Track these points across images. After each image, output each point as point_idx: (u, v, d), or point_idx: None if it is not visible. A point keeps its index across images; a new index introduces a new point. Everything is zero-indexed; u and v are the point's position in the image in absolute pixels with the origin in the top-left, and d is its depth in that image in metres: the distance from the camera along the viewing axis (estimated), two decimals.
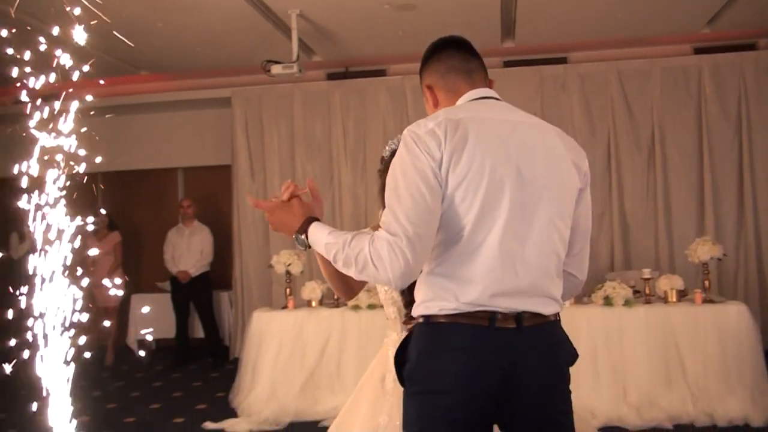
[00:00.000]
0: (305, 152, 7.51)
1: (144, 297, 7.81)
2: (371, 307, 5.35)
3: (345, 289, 2.17)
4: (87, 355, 3.51)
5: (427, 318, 1.73)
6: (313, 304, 5.57)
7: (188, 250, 7.22)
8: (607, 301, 4.99)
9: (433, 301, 1.72)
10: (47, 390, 3.33)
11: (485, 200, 1.68)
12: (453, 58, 1.91)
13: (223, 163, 7.86)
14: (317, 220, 1.90)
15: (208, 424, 5.04)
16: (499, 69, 7.29)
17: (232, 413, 5.27)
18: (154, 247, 7.75)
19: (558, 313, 1.81)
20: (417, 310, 1.77)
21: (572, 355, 1.86)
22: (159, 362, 7.34)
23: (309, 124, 7.50)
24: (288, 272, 5.68)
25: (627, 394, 4.83)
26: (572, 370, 1.79)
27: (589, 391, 4.83)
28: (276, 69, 5.80)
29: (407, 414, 1.76)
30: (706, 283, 5.11)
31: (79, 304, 3.43)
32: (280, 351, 5.41)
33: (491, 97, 1.89)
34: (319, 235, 1.83)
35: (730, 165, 6.77)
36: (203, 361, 7.30)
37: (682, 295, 5.13)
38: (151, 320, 7.68)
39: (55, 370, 3.34)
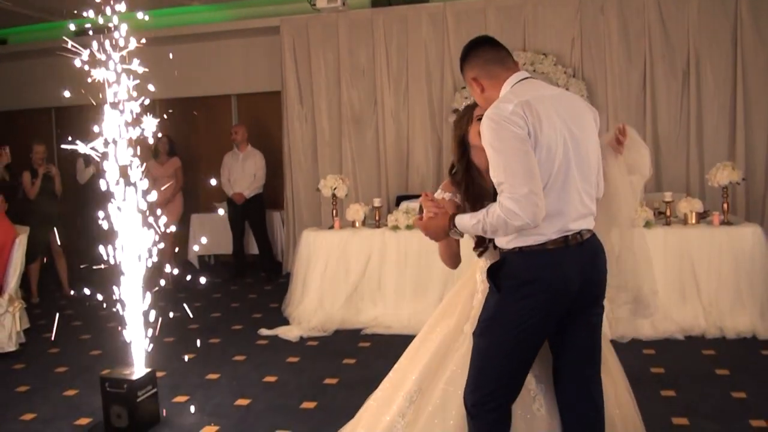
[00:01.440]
0: (350, 78, 7.85)
1: (202, 217, 8.44)
2: (409, 227, 5.79)
3: (452, 262, 2.74)
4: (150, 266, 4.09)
5: (522, 248, 2.32)
6: (357, 224, 6.05)
7: (243, 173, 7.75)
8: None
9: (527, 236, 2.29)
10: (123, 308, 3.93)
11: (563, 156, 2.26)
12: (487, 51, 2.41)
13: (273, 90, 8.28)
14: (455, 214, 2.42)
15: (263, 331, 5.67)
16: None
17: (285, 321, 5.89)
18: (211, 170, 8.29)
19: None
20: (510, 243, 2.33)
21: (606, 265, 2.49)
22: (218, 276, 8.02)
23: (354, 51, 7.80)
24: (334, 195, 6.15)
25: None
26: None
27: (607, 304, 5.24)
28: (321, 2, 6.09)
29: (505, 315, 2.33)
30: (725, 206, 5.37)
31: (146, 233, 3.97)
32: (327, 267, 5.95)
33: (527, 77, 2.39)
34: (464, 223, 2.35)
35: (763, 89, 6.84)
36: (258, 275, 7.94)
37: (702, 217, 5.42)
38: (209, 238, 8.35)
39: (129, 289, 3.93)
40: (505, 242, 2.34)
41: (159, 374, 4.60)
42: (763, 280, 5.08)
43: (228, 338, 5.60)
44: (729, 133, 6.94)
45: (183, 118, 8.98)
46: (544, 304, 2.29)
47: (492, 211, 2.21)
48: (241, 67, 8.58)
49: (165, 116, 4.53)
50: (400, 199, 7.38)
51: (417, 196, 7.09)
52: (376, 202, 6.18)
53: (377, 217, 6.11)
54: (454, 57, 7.52)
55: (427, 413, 2.66)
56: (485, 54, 2.39)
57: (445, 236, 2.48)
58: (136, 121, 4.01)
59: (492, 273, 2.38)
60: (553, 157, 2.23)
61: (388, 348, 5.18)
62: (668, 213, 5.44)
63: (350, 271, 5.91)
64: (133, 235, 3.98)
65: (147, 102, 4.06)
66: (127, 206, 3.97)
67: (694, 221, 5.32)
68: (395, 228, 5.84)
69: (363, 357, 5.01)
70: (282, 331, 5.62)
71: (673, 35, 7.02)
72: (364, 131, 7.94)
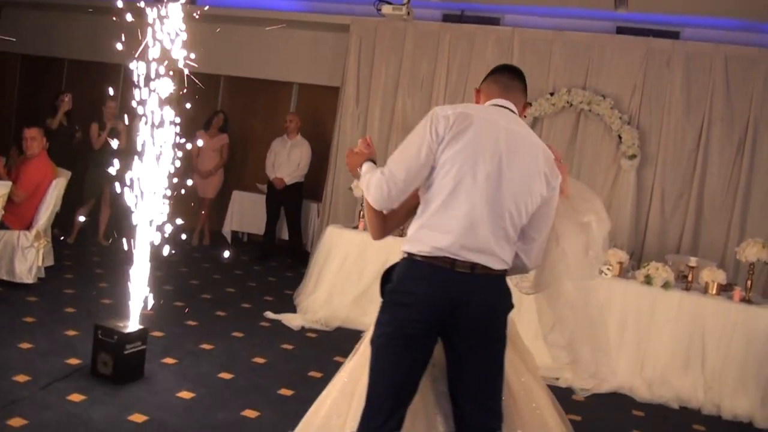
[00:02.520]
0: (408, 87, 7.92)
1: (243, 194, 8.66)
2: None
3: (377, 229, 2.71)
4: (183, 236, 4.24)
5: (409, 254, 2.38)
6: None
7: (287, 160, 7.92)
8: (647, 280, 5.23)
9: (416, 243, 2.36)
10: (135, 255, 4.10)
11: (464, 177, 2.30)
12: (502, 75, 2.58)
13: (333, 85, 8.44)
14: (371, 159, 2.57)
15: (268, 314, 5.81)
16: (610, 35, 7.33)
17: (292, 309, 6.01)
18: (261, 152, 8.51)
19: (505, 270, 2.39)
20: (404, 247, 2.43)
21: (509, 304, 2.44)
22: (246, 254, 8.21)
23: (416, 61, 7.88)
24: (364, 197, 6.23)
25: (643, 369, 5.13)
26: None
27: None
28: (386, 9, 6.20)
29: (381, 318, 2.41)
30: (749, 282, 5.22)
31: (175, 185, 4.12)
32: (343, 264, 6.04)
33: (506, 107, 2.48)
34: (364, 170, 2.52)
35: None
36: (284, 261, 8.09)
37: (724, 289, 5.29)
38: (245, 216, 8.57)
39: (146, 238, 4.09)
40: (403, 244, 2.43)
41: (156, 334, 4.81)
42: None
43: (234, 314, 5.75)
44: None
45: (243, 98, 9.24)
46: (409, 318, 2.30)
47: (374, 174, 2.40)
48: (307, 58, 8.76)
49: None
50: None
51: None
52: None
53: (402, 227, 6.15)
54: None
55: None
56: (499, 77, 2.56)
57: (356, 173, 2.59)
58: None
59: (383, 277, 2.50)
60: (454, 175, 2.28)
61: None
62: (690, 278, 5.33)
63: (364, 273, 5.98)
64: (154, 195, 4.13)
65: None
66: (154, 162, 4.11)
67: (714, 292, 5.20)
68: None
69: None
70: (286, 318, 5.73)
71: (735, 100, 6.86)
72: None
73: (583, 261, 2.51)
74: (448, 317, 2.31)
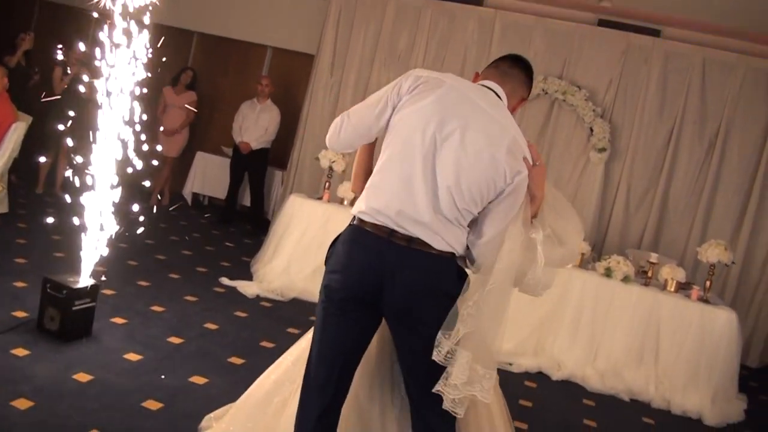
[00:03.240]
0: (384, 60, 7.77)
1: (207, 156, 8.46)
2: None
3: (356, 178, 2.52)
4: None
5: (352, 219, 2.27)
6: (345, 203, 6.01)
7: (255, 124, 7.74)
8: (607, 273, 5.24)
9: (358, 204, 2.26)
10: (87, 208, 3.92)
11: (405, 143, 2.16)
12: (503, 62, 2.44)
13: (308, 52, 8.25)
14: None
15: (224, 280, 5.67)
16: (591, 27, 7.28)
17: (249, 277, 5.88)
18: (228, 113, 8.30)
19: (450, 253, 2.19)
20: (352, 210, 2.30)
21: (447, 288, 2.19)
22: (205, 217, 8.03)
23: (395, 34, 7.73)
24: (331, 168, 6.11)
25: (596, 359, 5.15)
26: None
27: (562, 345, 5.19)
28: None
29: (321, 284, 2.29)
30: (707, 283, 5.26)
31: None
32: (304, 235, 5.92)
33: (491, 89, 2.32)
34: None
35: None
36: (243, 227, 7.94)
37: (682, 287, 5.32)
38: (208, 178, 8.38)
39: (103, 192, 3.92)
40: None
41: (108, 292, 4.65)
42: (723, 368, 4.98)
43: (189, 278, 5.60)
44: (739, 214, 6.81)
45: (214, 57, 8.99)
46: (336, 285, 2.20)
47: (339, 117, 2.37)
48: (284, 22, 8.54)
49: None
50: None
51: None
52: None
53: None
54: None
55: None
56: (500, 63, 2.43)
57: None
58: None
59: (331, 244, 2.38)
60: (403, 136, 2.17)
61: None
62: (650, 274, 5.35)
63: (325, 245, 5.74)
64: (109, 147, 3.96)
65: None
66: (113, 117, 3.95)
67: (672, 289, 5.23)
68: None
69: (308, 329, 4.98)
70: (241, 285, 5.61)
71: (709, 102, 6.89)
72: None
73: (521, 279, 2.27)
74: (376, 290, 2.17)
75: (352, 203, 5.99)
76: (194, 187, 8.46)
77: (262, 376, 2.72)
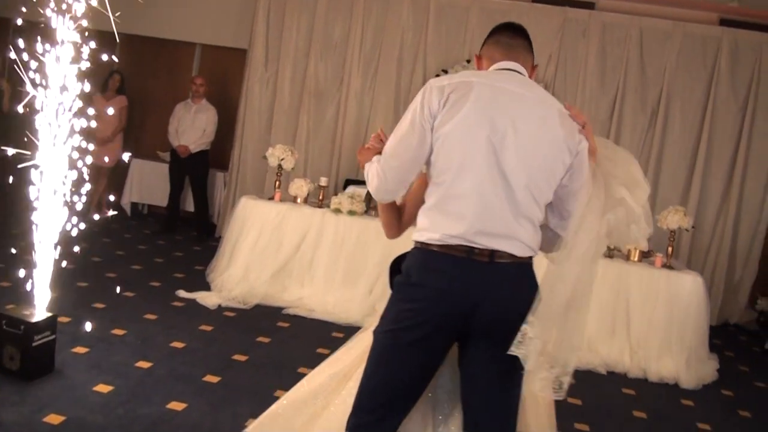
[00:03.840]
0: (320, 50, 7.57)
1: (143, 163, 8.07)
2: (351, 213, 5.60)
3: (390, 226, 2.38)
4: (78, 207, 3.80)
5: (420, 243, 2.07)
6: (299, 200, 5.81)
7: (192, 126, 7.41)
8: None
9: (425, 231, 2.05)
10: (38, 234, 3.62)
11: (466, 155, 1.99)
12: (502, 35, 2.23)
13: (239, 47, 7.95)
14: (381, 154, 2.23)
15: (181, 292, 5.40)
16: (528, 3, 7.26)
17: (206, 287, 5.62)
18: (161, 116, 7.93)
19: (530, 257, 2.08)
20: (414, 236, 2.11)
21: (533, 294, 2.04)
22: (147, 227, 7.68)
23: (330, 23, 7.53)
24: (280, 166, 5.90)
25: None
26: None
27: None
28: None
29: (388, 314, 2.11)
30: (670, 249, 5.33)
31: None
32: (260, 238, 5.69)
33: (513, 69, 2.16)
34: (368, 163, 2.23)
35: (727, 143, 6.89)
36: (189, 234, 7.63)
37: (645, 256, 5.37)
38: (146, 186, 8.00)
39: (42, 224, 3.62)
40: (413, 233, 2.15)
41: (62, 319, 4.34)
42: (694, 330, 5.05)
43: (144, 294, 5.30)
44: (686, 180, 6.96)
45: (141, 58, 8.57)
46: (421, 314, 2.01)
47: (372, 165, 2.18)
48: (211, 17, 8.18)
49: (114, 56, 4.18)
50: (348, 183, 7.18)
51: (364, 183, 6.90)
52: (323, 181, 5.97)
53: (321, 197, 5.89)
54: (429, 49, 7.35)
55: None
56: (499, 36, 2.24)
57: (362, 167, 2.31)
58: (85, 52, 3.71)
59: (391, 268, 2.22)
60: (458, 151, 2.00)
61: (306, 332, 5.01)
62: (611, 246, 5.38)
63: (282, 247, 5.67)
64: (52, 166, 3.66)
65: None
66: (52, 135, 3.65)
67: (636, 259, 5.28)
68: (337, 211, 5.63)
69: (278, 337, 4.81)
70: (201, 296, 5.35)
71: (649, 72, 6.99)
72: (324, 107, 7.67)
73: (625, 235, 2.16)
74: (464, 315, 2.01)
75: (306, 201, 5.82)
76: (132, 197, 8.07)
77: (291, 395, 2.52)
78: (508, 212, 2.00)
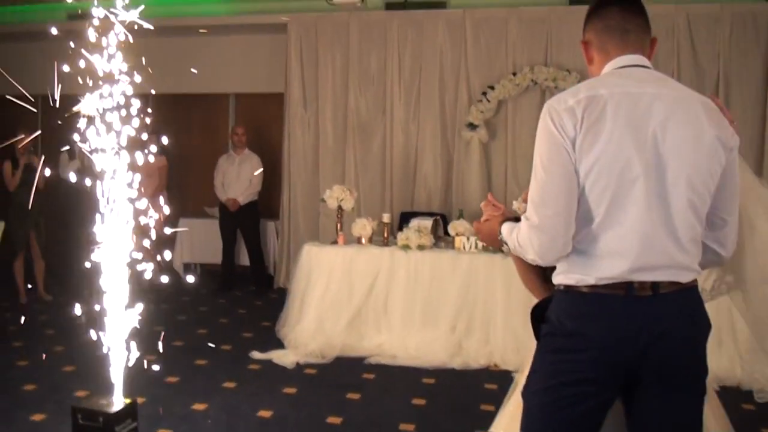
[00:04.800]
0: (359, 84, 7.35)
1: (191, 221, 7.86)
2: (421, 247, 5.30)
3: (534, 286, 2.19)
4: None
5: (568, 287, 1.80)
6: (363, 241, 5.53)
7: (238, 177, 7.21)
8: None
9: (573, 273, 1.78)
10: (100, 321, 3.37)
11: (620, 183, 1.71)
12: (612, 16, 1.88)
13: (275, 91, 7.76)
14: (508, 220, 1.98)
15: (255, 354, 5.11)
16: (564, 7, 6.96)
17: (278, 344, 5.33)
18: (203, 172, 7.74)
19: (696, 280, 1.80)
20: (557, 279, 1.84)
21: (707, 325, 1.83)
22: (204, 287, 7.44)
23: (364, 55, 7.32)
24: (340, 207, 5.63)
25: None
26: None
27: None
28: None
29: (539, 370, 1.84)
30: None
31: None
32: (329, 286, 5.41)
33: (638, 65, 1.85)
34: (504, 231, 1.94)
35: None
36: (247, 288, 7.38)
37: None
38: (197, 245, 7.79)
39: (112, 299, 3.38)
40: (555, 275, 1.85)
41: (138, 401, 4.05)
42: None
43: (216, 360, 5.02)
44: (756, 165, 6.57)
45: (176, 115, 8.43)
46: (582, 367, 1.74)
47: (518, 230, 1.86)
48: (242, 65, 8.02)
49: (149, 112, 3.96)
50: (404, 216, 6.87)
51: (423, 214, 6.59)
52: (385, 218, 5.68)
53: (385, 234, 5.60)
54: (471, 67, 7.07)
55: None
56: (608, 19, 1.88)
57: (498, 243, 2.01)
58: (128, 118, 3.49)
59: (533, 315, 1.95)
60: (606, 180, 1.71)
61: (395, 382, 4.69)
62: None
63: (354, 292, 5.38)
64: (118, 234, 3.41)
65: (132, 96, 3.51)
66: (113, 204, 3.41)
67: None
68: (406, 247, 5.33)
69: (368, 391, 4.48)
70: (276, 356, 5.06)
71: (702, 59, 6.66)
72: (370, 141, 7.42)
73: None
74: (631, 361, 1.73)
75: (370, 240, 5.52)
76: (184, 257, 7.85)
77: None
78: (669, 241, 1.73)
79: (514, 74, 6.87)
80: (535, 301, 2.02)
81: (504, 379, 4.72)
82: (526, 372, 1.94)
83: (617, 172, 1.70)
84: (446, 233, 5.71)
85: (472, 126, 6.99)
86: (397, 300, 5.31)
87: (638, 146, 1.70)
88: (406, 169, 7.37)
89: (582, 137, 1.71)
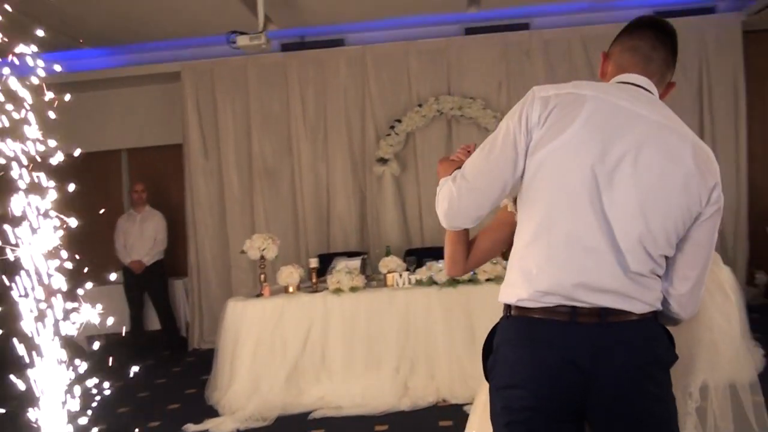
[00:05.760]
0: (261, 127, 7.11)
1: (91, 290, 7.23)
2: (354, 289, 5.08)
3: (453, 260, 1.96)
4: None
5: (507, 308, 1.69)
6: (291, 289, 5.24)
7: (141, 237, 6.73)
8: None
9: (512, 287, 1.66)
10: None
11: (565, 189, 1.59)
12: (643, 39, 1.79)
13: (171, 143, 7.35)
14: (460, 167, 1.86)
15: (189, 426, 4.66)
16: (462, 37, 7.05)
17: (211, 411, 4.91)
18: (101, 235, 7.17)
19: (652, 313, 1.65)
20: (500, 296, 1.71)
21: (666, 355, 1.68)
22: (115, 360, 6.83)
23: (265, 98, 7.10)
24: (262, 257, 5.32)
25: None
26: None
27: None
28: (242, 41, 5.36)
29: (493, 407, 1.71)
30: None
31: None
32: (259, 341, 5.06)
33: (642, 86, 1.73)
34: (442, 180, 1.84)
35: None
36: (160, 354, 6.85)
37: None
38: (101, 314, 7.17)
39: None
40: (501, 288, 1.74)
41: None
42: None
43: None
44: None
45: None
46: (523, 405, 1.61)
47: (446, 181, 1.79)
48: (133, 118, 7.57)
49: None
50: (323, 258, 6.62)
51: (341, 254, 6.39)
52: (313, 263, 5.43)
53: (314, 280, 5.33)
54: (375, 103, 7.00)
55: None
56: (638, 40, 1.78)
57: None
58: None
59: (485, 346, 1.78)
60: (559, 183, 1.60)
61: None
62: None
63: (288, 345, 5.05)
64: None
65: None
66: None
67: None
68: (338, 291, 5.09)
69: None
70: (213, 425, 4.64)
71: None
72: (278, 185, 7.17)
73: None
74: (577, 394, 1.59)
75: (298, 288, 5.24)
76: (87, 329, 7.20)
77: None
78: (614, 265, 1.58)
79: (420, 106, 6.85)
80: (481, 333, 1.85)
81: (456, 413, 4.57)
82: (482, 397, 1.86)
83: (562, 175, 1.60)
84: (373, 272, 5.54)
85: (382, 160, 6.89)
86: (336, 347, 5.04)
87: (599, 158, 1.58)
88: (319, 211, 7.16)
89: (544, 130, 1.62)
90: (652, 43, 1.77)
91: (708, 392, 1.93)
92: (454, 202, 1.72)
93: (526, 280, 1.62)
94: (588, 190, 1.57)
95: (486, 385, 1.79)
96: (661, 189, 1.58)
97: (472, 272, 4.93)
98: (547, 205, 1.61)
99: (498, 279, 4.99)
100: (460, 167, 1.79)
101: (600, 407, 1.60)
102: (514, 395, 1.62)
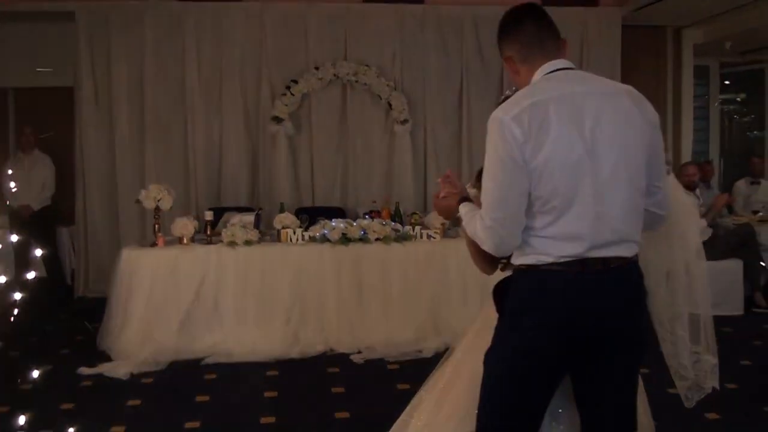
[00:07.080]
0: (155, 78, 7.07)
1: None
2: (248, 243, 5.33)
3: (483, 265, 2.26)
4: None
5: (526, 266, 1.99)
6: (185, 240, 5.42)
7: (29, 182, 6.62)
8: None
9: (534, 254, 1.97)
10: None
11: (572, 176, 1.90)
12: (526, 32, 2.06)
13: (64, 85, 7.17)
14: (465, 198, 2.20)
15: (84, 370, 4.79)
16: (361, 4, 7.29)
17: (104, 356, 5.06)
18: None
19: (636, 255, 2.05)
20: (517, 260, 2.02)
21: (644, 295, 2.16)
22: None
23: (161, 49, 7.06)
24: (158, 207, 5.44)
25: None
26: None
27: (460, 316, 5.22)
28: None
29: (501, 341, 2.03)
30: None
31: None
32: (153, 290, 5.23)
33: (564, 68, 2.04)
34: (463, 213, 2.14)
35: None
36: (45, 301, 6.80)
37: None
38: None
39: None
40: (514, 257, 2.07)
41: None
42: None
43: (42, 382, 4.62)
44: None
45: None
46: (543, 340, 1.95)
47: (473, 223, 2.04)
48: (21, 57, 7.30)
49: None
50: (215, 211, 6.78)
51: (233, 209, 6.57)
52: (208, 215, 5.61)
53: (209, 233, 5.53)
54: (271, 61, 7.15)
55: None
56: (525, 35, 2.06)
57: (454, 219, 2.23)
58: None
59: (496, 292, 2.15)
60: (558, 175, 1.90)
61: (240, 378, 4.73)
62: None
63: (181, 294, 5.25)
64: None
65: None
66: None
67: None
68: (232, 244, 5.32)
69: (216, 392, 4.45)
70: (107, 369, 4.78)
71: (488, 57, 7.30)
72: (169, 137, 7.19)
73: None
74: (585, 331, 1.95)
75: (193, 239, 5.43)
76: None
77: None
78: (619, 220, 1.95)
79: (317, 68, 7.07)
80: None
81: (343, 361, 4.98)
82: (465, 342, 2.22)
83: (569, 167, 1.89)
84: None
85: (277, 119, 7.08)
86: (228, 298, 5.29)
87: (582, 141, 1.90)
88: (210, 165, 7.27)
89: (533, 141, 1.88)
90: (535, 29, 2.06)
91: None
92: (497, 237, 1.96)
93: (552, 249, 1.93)
94: (588, 170, 1.90)
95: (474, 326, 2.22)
96: (626, 138, 1.94)
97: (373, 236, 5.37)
98: (562, 196, 1.90)
99: (386, 239, 5.40)
100: (463, 198, 2.15)
101: (602, 344, 1.97)
102: (530, 336, 1.95)
